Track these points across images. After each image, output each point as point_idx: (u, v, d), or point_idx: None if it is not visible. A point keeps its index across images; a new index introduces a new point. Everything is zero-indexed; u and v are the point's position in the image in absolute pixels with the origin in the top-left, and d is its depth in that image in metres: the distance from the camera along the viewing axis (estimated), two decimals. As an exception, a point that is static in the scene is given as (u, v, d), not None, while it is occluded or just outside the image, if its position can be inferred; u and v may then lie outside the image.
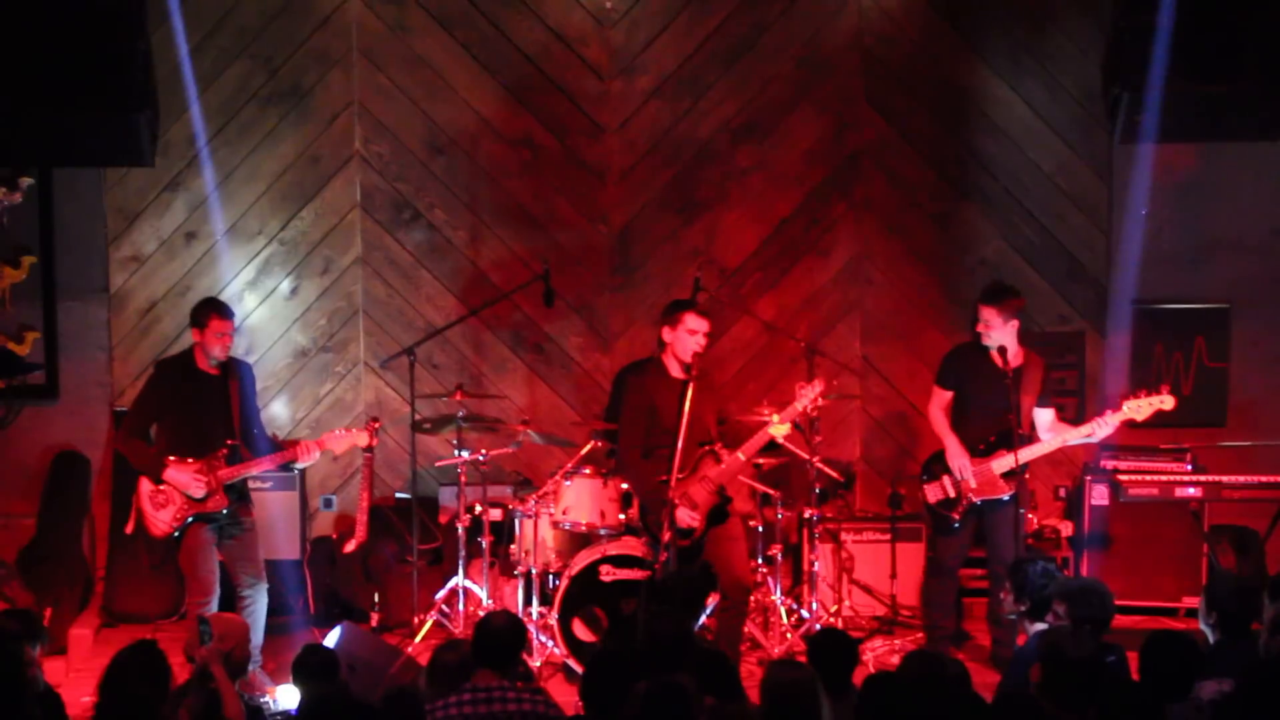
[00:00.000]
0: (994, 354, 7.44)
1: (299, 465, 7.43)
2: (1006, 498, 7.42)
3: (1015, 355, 7.41)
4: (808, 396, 7.04)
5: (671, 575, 6.54)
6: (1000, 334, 7.43)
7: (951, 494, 7.50)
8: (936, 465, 7.61)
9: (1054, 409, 7.62)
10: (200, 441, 7.16)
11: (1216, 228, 8.96)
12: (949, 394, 7.65)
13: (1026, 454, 7.38)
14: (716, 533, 7.11)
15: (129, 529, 7.24)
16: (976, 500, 7.44)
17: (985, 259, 9.08)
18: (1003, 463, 7.39)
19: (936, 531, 7.71)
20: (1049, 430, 7.52)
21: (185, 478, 7.08)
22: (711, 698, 5.18)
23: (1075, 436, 7.49)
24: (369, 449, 8.17)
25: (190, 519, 7.12)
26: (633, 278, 9.08)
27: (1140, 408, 7.37)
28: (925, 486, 7.62)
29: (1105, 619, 5.67)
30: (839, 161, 9.06)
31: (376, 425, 8.24)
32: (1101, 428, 7.40)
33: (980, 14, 8.95)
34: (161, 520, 7.11)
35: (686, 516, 6.96)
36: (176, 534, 7.12)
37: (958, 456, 7.47)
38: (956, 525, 7.50)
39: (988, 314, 7.45)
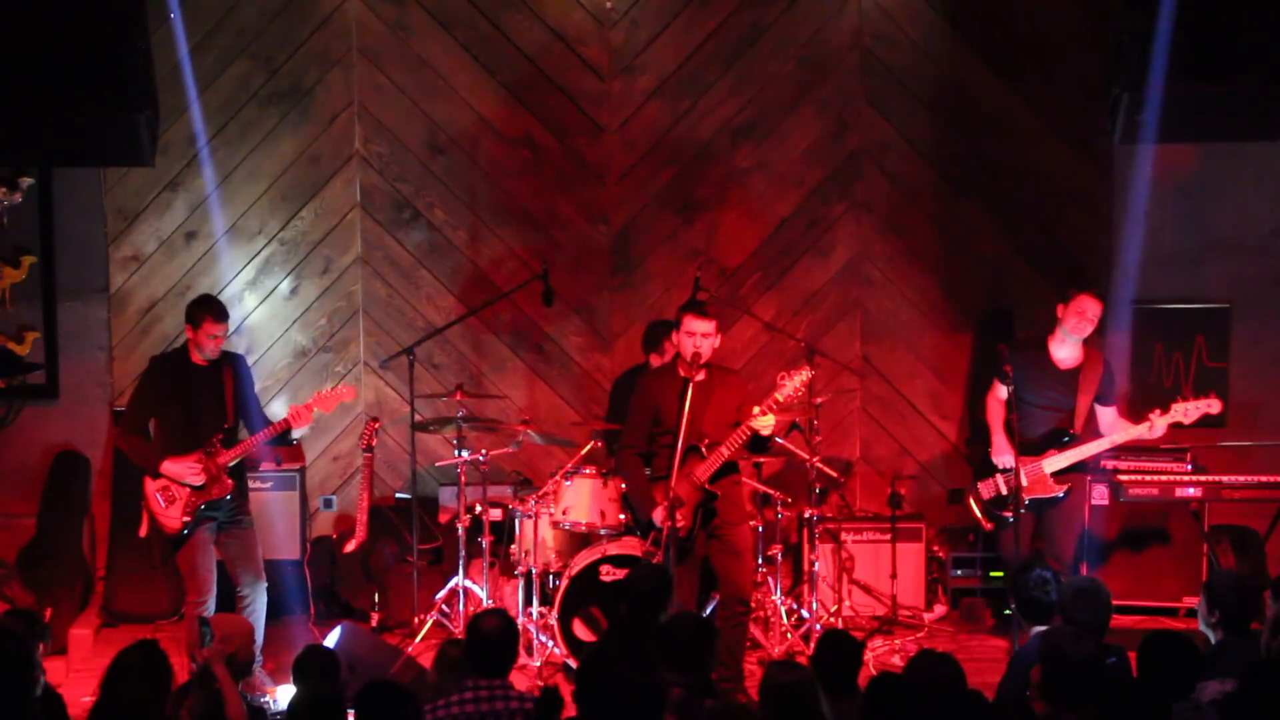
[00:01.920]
0: (1052, 351, 7.49)
1: (296, 433, 7.43)
2: (1060, 495, 7.45)
3: (1078, 353, 7.50)
4: (789, 385, 6.87)
5: (636, 570, 6.49)
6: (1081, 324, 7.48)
7: (1004, 491, 7.46)
8: (988, 463, 7.61)
9: (1114, 406, 7.61)
10: (197, 433, 7.20)
11: (1216, 228, 8.96)
12: (1007, 389, 7.50)
13: (1076, 454, 7.42)
14: (720, 544, 7.06)
15: (142, 532, 7.25)
16: (1026, 499, 7.34)
17: (985, 259, 9.08)
18: (1052, 462, 7.43)
19: (995, 527, 7.64)
20: (1111, 428, 7.54)
21: (181, 468, 7.12)
22: (711, 699, 5.19)
23: (1122, 437, 7.50)
24: (369, 449, 8.21)
25: (202, 507, 7.15)
26: (633, 278, 9.08)
27: (1188, 411, 7.42)
28: (979, 484, 7.63)
29: (1096, 624, 5.64)
30: (839, 161, 9.06)
31: (376, 425, 8.27)
32: (1154, 428, 7.41)
33: (980, 14, 8.95)
34: (173, 516, 7.13)
35: (660, 516, 6.87)
36: (186, 531, 7.13)
37: (1001, 452, 7.48)
38: (1010, 521, 7.37)
39: (1086, 303, 7.45)
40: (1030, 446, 7.44)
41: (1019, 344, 7.73)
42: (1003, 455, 7.48)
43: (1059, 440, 7.47)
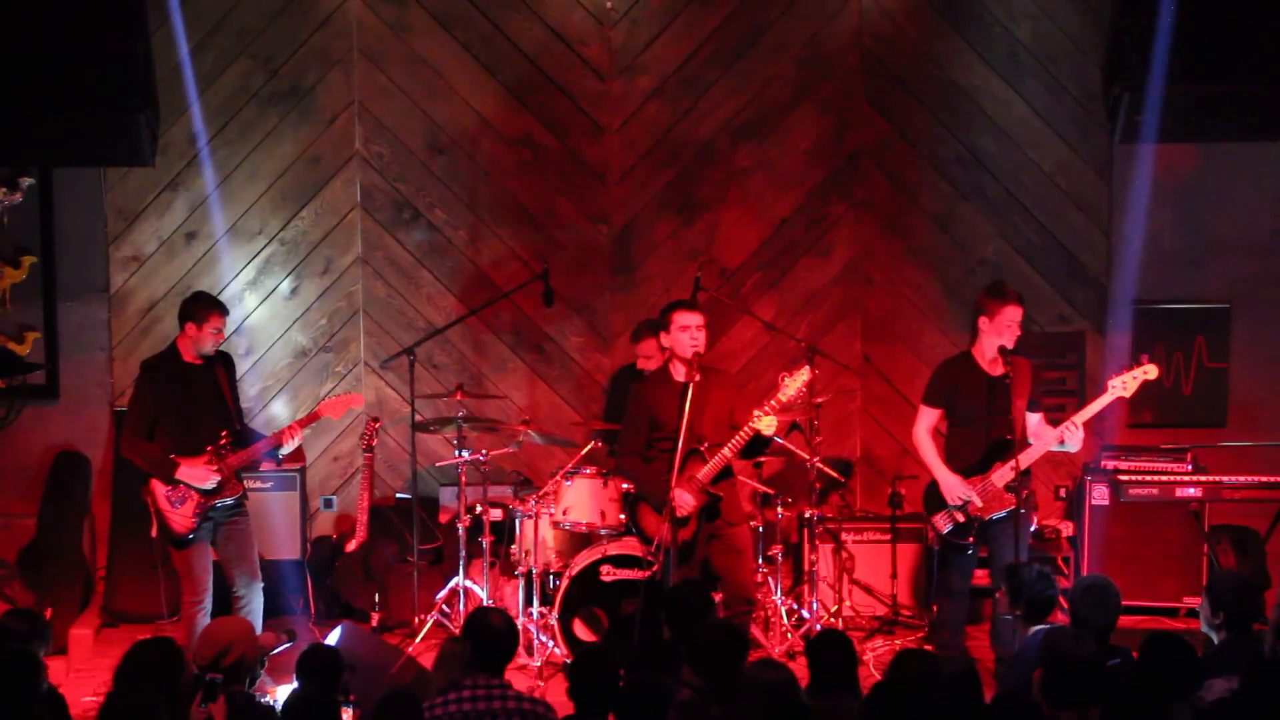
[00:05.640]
0: (980, 362, 7.18)
1: (285, 449, 7.39)
2: (1012, 509, 7.09)
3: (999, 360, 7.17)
4: (791, 386, 6.83)
5: (681, 583, 6.48)
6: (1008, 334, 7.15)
7: (961, 519, 7.16)
8: (937, 495, 7.24)
9: (1042, 412, 7.30)
10: (200, 433, 7.18)
11: (1216, 228, 8.97)
12: (938, 412, 7.32)
13: (1025, 459, 7.01)
14: (722, 544, 7.06)
15: (154, 533, 7.23)
16: (987, 518, 7.13)
17: (985, 259, 9.08)
18: (1003, 474, 7.05)
19: (949, 557, 7.34)
20: (1036, 433, 7.19)
21: (198, 473, 7.11)
22: (687, 691, 5.19)
23: (1071, 424, 7.09)
24: (369, 449, 8.21)
25: (217, 505, 7.17)
26: (633, 278, 9.08)
27: (1126, 383, 7.07)
28: (934, 519, 7.25)
29: (1103, 623, 5.63)
30: (839, 161, 9.06)
31: (377, 425, 8.27)
32: (1090, 409, 7.10)
33: (980, 14, 8.94)
34: (184, 515, 7.13)
35: (665, 518, 6.86)
36: (192, 536, 7.12)
37: (955, 488, 7.13)
38: (970, 551, 7.21)
39: (1012, 312, 7.13)
40: (975, 465, 7.16)
41: (948, 364, 7.38)
42: (957, 489, 7.11)
43: (1003, 452, 7.02)
